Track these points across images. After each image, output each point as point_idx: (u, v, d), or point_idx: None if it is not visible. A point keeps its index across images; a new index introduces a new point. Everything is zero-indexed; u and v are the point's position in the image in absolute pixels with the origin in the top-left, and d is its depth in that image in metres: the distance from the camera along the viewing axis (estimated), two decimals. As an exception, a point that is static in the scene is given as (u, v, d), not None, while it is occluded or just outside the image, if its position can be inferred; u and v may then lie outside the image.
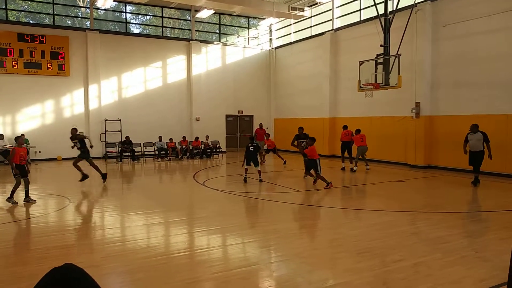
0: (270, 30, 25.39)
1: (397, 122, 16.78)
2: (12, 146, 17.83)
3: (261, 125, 20.33)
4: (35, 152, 18.72)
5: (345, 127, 15.54)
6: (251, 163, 12.58)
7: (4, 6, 18.83)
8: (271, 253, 6.03)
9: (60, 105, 19.62)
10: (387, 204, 9.48)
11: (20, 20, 19.64)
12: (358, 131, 15.02)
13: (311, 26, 22.32)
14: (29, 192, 9.76)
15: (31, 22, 19.89)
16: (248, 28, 25.12)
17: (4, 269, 5.43)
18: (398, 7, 14.98)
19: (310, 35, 22.30)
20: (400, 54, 13.76)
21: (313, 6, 21.12)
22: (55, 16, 19.93)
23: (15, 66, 18.25)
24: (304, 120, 21.28)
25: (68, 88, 19.66)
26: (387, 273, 5.02)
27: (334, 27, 20.55)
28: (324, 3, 19.99)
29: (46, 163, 18.25)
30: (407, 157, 16.39)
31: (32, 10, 20.30)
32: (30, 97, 18.79)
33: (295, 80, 23.31)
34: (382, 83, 13.94)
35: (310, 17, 21.79)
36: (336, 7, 20.63)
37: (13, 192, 9.48)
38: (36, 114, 19.11)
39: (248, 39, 25.11)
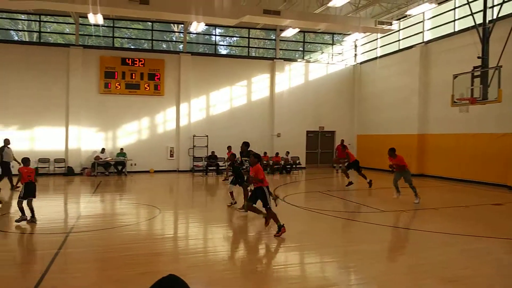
0: (355, 46, 24.95)
1: (496, 139, 15.21)
2: (110, 158, 19.78)
3: (342, 141, 19.89)
4: (131, 164, 20.46)
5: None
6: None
7: (111, 35, 21.19)
8: (351, 275, 5.81)
9: (154, 122, 21.30)
10: (480, 229, 8.58)
11: (123, 46, 21.90)
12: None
13: (399, 40, 21.45)
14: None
15: (132, 47, 22.08)
16: (333, 44, 24.97)
17: (102, 271, 5.99)
18: (499, 15, 13.75)
19: (398, 49, 21.42)
20: (501, 66, 12.55)
21: (402, 19, 20.32)
22: (153, 41, 21.89)
23: (118, 87, 20.32)
24: (390, 136, 20.34)
25: (162, 107, 21.29)
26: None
27: (425, 40, 19.51)
28: (414, 15, 19.11)
29: (140, 175, 19.82)
30: (507, 178, 14.73)
31: (133, 37, 22.55)
32: (128, 115, 20.70)
33: (380, 95, 22.49)
34: (480, 97, 12.83)
35: (398, 30, 20.97)
36: (427, 19, 19.60)
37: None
38: (133, 130, 20.96)
39: (332, 55, 24.94)
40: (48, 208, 11.03)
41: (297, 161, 22.00)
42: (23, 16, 20.26)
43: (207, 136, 21.45)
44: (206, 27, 22.23)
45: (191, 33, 21.99)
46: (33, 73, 19.15)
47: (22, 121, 19.01)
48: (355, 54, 24.99)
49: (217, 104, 22.25)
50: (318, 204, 11.70)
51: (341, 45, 25.22)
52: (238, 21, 16.84)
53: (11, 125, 18.86)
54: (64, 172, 19.25)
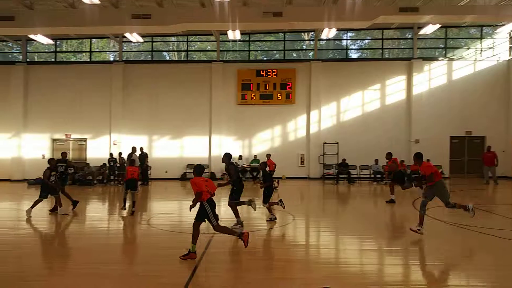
0: (511, 37, 21.70)
1: None
2: (245, 164, 21.00)
3: (488, 148, 17.45)
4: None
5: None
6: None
7: (247, 48, 22.65)
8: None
9: (286, 130, 21.95)
10: None
11: (257, 58, 23.16)
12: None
13: None
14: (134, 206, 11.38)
15: (265, 59, 23.21)
16: (481, 38, 22.18)
17: (240, 273, 6.38)
18: None
19: None
20: None
21: None
22: (285, 51, 22.63)
23: (253, 97, 21.57)
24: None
25: (293, 115, 21.81)
26: None
27: None
28: None
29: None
30: None
31: (266, 49, 23.68)
32: (262, 123, 21.77)
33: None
34: None
35: None
36: None
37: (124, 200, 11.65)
38: (267, 138, 21.94)
39: (481, 50, 22.13)
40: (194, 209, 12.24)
41: (440, 171, 19.99)
42: (173, 38, 23.09)
43: (337, 143, 21.15)
44: (337, 32, 22.04)
45: (321, 40, 22.06)
46: (181, 87, 21.70)
47: (173, 131, 21.64)
48: (510, 47, 21.73)
49: (348, 110, 21.80)
50: (461, 218, 10.44)
51: (491, 38, 22.23)
52: (371, 23, 16.24)
53: (164, 135, 21.65)
54: (208, 177, 21.16)
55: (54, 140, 21.89)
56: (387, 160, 14.63)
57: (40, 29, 16.93)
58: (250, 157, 21.54)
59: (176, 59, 23.56)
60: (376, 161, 20.23)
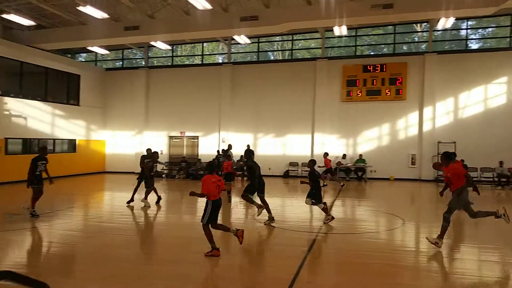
0: None
1: None
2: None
3: None
4: (371, 171, 20.50)
5: None
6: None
7: (353, 43, 21.96)
8: None
9: (395, 128, 20.70)
10: None
11: (363, 54, 22.28)
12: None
13: None
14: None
15: (371, 53, 22.21)
16: None
17: (348, 275, 6.17)
18: None
19: None
20: None
21: None
22: (395, 45, 21.37)
23: (359, 94, 20.81)
24: None
25: (404, 112, 20.47)
26: None
27: None
28: None
29: (380, 182, 19.60)
30: None
31: (373, 43, 22.63)
32: (369, 121, 20.85)
33: None
34: None
35: None
36: None
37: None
38: (373, 136, 20.96)
39: None
40: (298, 208, 12.29)
41: None
42: (277, 38, 23.45)
43: (454, 142, 19.26)
44: (455, 21, 20.06)
45: (436, 30, 20.32)
46: (285, 86, 21.93)
47: (276, 129, 22.00)
48: None
49: (468, 106, 19.70)
50: None
51: None
52: (497, 8, 14.42)
53: (268, 133, 22.13)
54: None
55: (170, 138, 23.94)
56: None
57: (161, 36, 18.67)
58: (355, 156, 20.85)
59: (280, 58, 23.89)
60: (501, 163, 17.92)
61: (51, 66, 20.82)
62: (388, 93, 20.47)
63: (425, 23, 20.71)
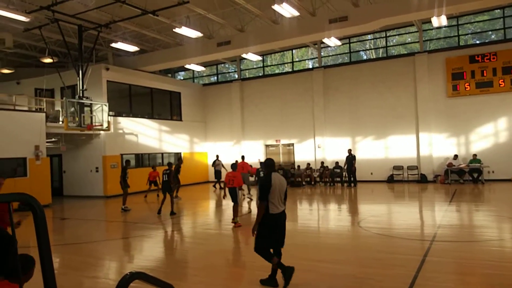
0: None
1: None
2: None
3: None
4: (488, 172, 18.31)
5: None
6: None
7: (455, 33, 20.07)
8: None
9: (513, 122, 18.29)
10: None
11: (468, 43, 20.16)
12: None
13: None
14: None
15: (477, 42, 20.00)
16: None
17: (468, 285, 5.47)
18: None
19: None
20: None
21: None
22: (505, 30, 18.99)
23: (467, 87, 18.87)
24: None
25: (523, 103, 18.01)
26: None
27: None
28: None
29: (500, 184, 17.41)
30: None
31: (478, 31, 20.38)
32: (481, 116, 18.69)
33: None
34: None
35: None
36: None
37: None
38: (488, 133, 18.71)
39: None
40: (407, 214, 11.45)
41: None
42: (369, 36, 22.45)
43: None
44: None
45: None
46: (381, 85, 20.82)
47: (375, 131, 20.92)
48: None
49: None
50: None
51: None
52: None
53: (367, 136, 21.15)
54: (417, 179, 19.60)
55: (266, 146, 24.29)
56: None
57: (251, 47, 19.15)
58: (467, 157, 18.80)
59: (374, 57, 22.80)
60: None
61: (155, 86, 22.73)
62: (501, 84, 18.21)
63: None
